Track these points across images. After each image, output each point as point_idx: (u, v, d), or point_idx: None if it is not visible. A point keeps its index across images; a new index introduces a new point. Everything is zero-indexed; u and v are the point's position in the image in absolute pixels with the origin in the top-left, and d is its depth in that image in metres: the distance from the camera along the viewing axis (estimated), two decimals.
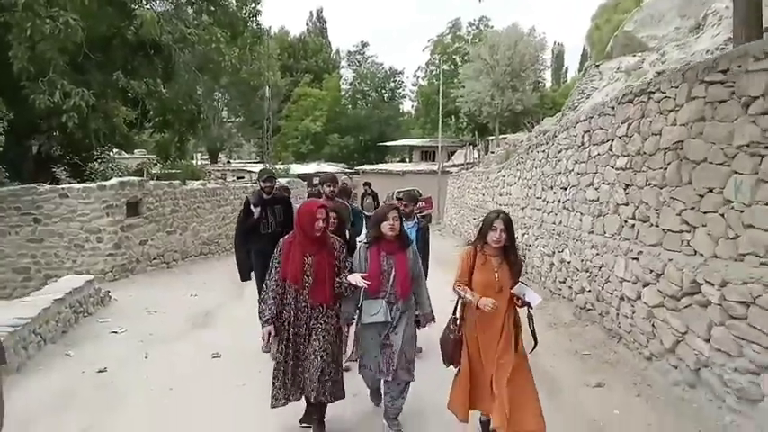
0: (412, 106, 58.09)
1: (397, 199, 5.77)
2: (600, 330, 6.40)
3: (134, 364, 5.47)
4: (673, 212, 4.98)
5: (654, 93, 5.46)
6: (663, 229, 5.15)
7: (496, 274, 3.50)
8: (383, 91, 55.28)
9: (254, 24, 23.71)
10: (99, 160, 15.23)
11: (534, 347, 3.57)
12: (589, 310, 6.77)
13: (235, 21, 20.86)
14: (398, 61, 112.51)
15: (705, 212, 4.55)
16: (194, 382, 5.02)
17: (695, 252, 4.67)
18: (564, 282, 7.68)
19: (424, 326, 4.07)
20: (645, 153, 5.53)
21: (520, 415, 3.32)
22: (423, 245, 5.41)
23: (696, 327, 4.51)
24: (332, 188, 5.79)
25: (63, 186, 9.58)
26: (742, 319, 3.99)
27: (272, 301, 3.72)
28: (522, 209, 10.51)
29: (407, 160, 43.49)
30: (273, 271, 3.77)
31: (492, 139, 29.92)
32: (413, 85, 54.76)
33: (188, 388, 4.87)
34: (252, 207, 5.72)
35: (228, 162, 45.05)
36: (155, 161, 22.31)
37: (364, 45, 55.60)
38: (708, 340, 4.36)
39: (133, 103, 18.29)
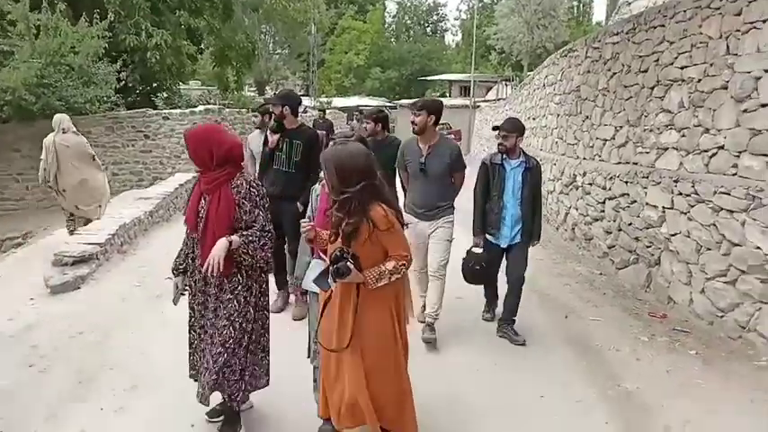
0: (453, 40, 58.91)
1: (494, 127, 4.19)
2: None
3: None
4: (571, 132, 7.71)
5: (573, 51, 8.03)
6: (567, 144, 7.90)
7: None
8: (426, 24, 56.36)
9: None
10: (168, 91, 18.27)
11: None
12: None
13: None
14: None
15: (583, 131, 7.27)
16: None
17: (577, 157, 7.43)
18: None
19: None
20: (565, 93, 8.17)
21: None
22: (528, 193, 4.03)
23: (573, 203, 7.34)
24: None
25: (165, 111, 12.81)
26: (588, 194, 6.81)
27: (183, 247, 2.87)
28: None
29: (447, 95, 45.15)
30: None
31: (524, 76, 31.63)
32: (455, 19, 55.35)
33: None
34: (269, 133, 4.51)
35: (275, 94, 47.49)
36: (215, 93, 25.48)
37: None
38: (576, 209, 7.19)
39: (192, 39, 21.05)
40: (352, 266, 2.25)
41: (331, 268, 2.28)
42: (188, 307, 2.86)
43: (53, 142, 6.39)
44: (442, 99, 5.14)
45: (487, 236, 4.17)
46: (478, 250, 4.12)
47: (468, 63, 47.27)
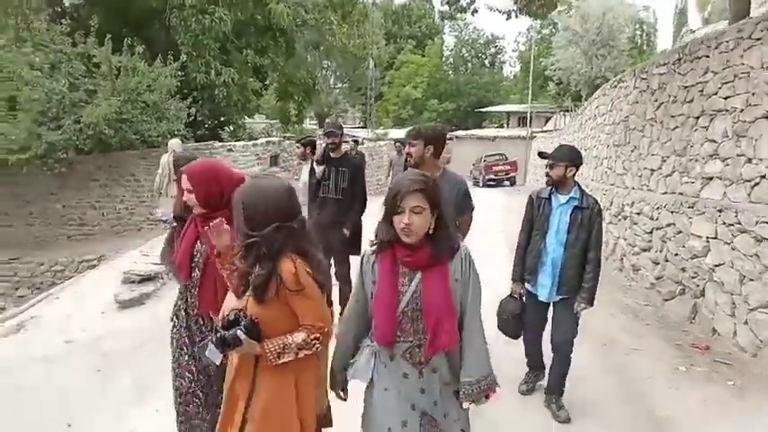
0: (511, 72, 59.00)
1: (540, 154, 3.77)
2: None
3: None
4: (620, 162, 7.69)
5: (623, 81, 8.06)
6: (616, 174, 7.87)
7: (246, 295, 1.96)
8: (484, 57, 56.83)
9: (362, 4, 27.02)
10: (233, 125, 19.34)
11: None
12: None
13: (345, 2, 24.24)
14: (500, 26, 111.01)
15: (631, 161, 7.25)
16: None
17: (626, 187, 7.40)
18: None
19: (470, 403, 2.07)
20: (614, 123, 8.18)
21: None
22: (576, 238, 3.35)
23: (621, 233, 7.28)
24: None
25: (229, 144, 13.64)
26: (636, 224, 6.75)
27: (179, 293, 2.62)
28: None
29: (505, 126, 45.06)
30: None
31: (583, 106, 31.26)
32: (512, 50, 55.52)
33: None
34: (315, 165, 4.70)
35: (325, 126, 48.50)
36: (277, 126, 26.71)
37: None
38: (625, 239, 7.13)
39: (257, 76, 22.16)
40: (242, 336, 1.80)
41: (215, 336, 1.83)
42: (177, 373, 2.53)
43: (168, 161, 8.20)
44: (444, 126, 3.88)
45: (526, 284, 3.56)
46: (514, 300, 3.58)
47: (526, 94, 47.34)
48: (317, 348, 1.89)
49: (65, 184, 12.52)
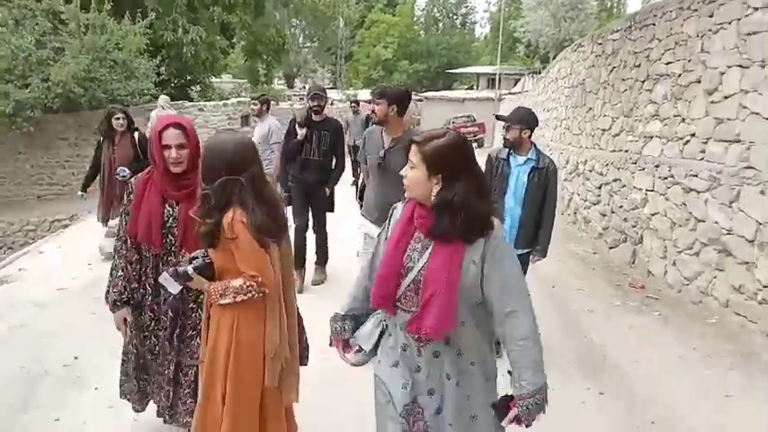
0: (481, 33, 58.91)
1: (497, 117, 3.97)
2: None
3: None
4: (576, 123, 8.19)
5: (582, 46, 8.49)
6: (573, 134, 8.39)
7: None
8: (454, 17, 56.50)
9: None
10: (201, 84, 19.13)
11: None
12: None
13: None
14: None
15: (586, 122, 7.76)
16: None
17: (581, 146, 7.93)
18: None
19: (516, 418, 1.69)
20: (573, 86, 8.65)
21: None
22: (533, 197, 3.52)
23: (576, 188, 7.85)
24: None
25: (200, 103, 13.70)
26: (588, 180, 7.31)
27: (122, 272, 2.39)
28: None
29: (475, 87, 45.15)
30: (121, 226, 2.43)
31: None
32: (484, 11, 55.23)
33: None
34: (297, 127, 4.82)
35: (304, 87, 48.28)
36: (246, 86, 26.45)
37: None
38: (578, 194, 7.70)
39: (225, 34, 21.68)
40: (191, 271, 1.99)
41: (171, 268, 2.02)
42: (140, 335, 2.49)
43: (156, 116, 8.72)
44: (409, 86, 3.91)
45: None
46: None
47: (496, 56, 47.38)
48: (251, 296, 1.98)
49: (33, 143, 12.46)
